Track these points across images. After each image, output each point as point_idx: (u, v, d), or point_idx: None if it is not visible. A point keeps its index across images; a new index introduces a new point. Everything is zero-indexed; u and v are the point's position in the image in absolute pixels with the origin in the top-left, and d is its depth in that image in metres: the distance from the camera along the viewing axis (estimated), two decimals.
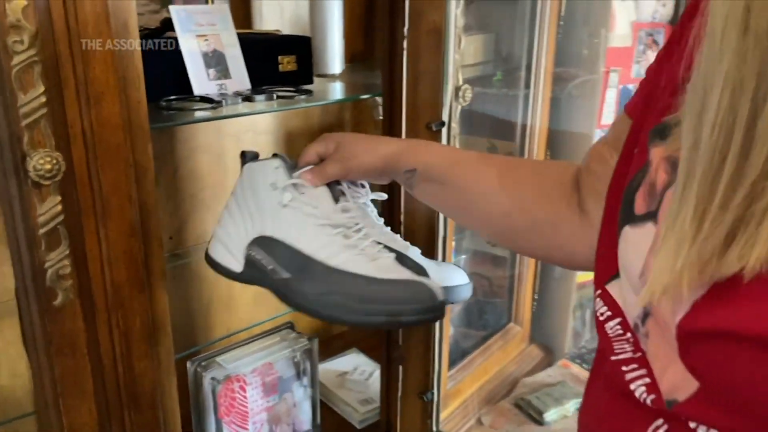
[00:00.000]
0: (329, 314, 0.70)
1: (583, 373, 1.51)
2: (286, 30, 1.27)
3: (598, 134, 1.89)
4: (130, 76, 0.69)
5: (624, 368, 0.47)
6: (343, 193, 0.76)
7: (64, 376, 0.71)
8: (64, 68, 0.64)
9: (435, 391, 1.09)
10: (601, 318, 0.51)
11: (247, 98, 0.92)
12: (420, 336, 1.08)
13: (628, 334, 0.48)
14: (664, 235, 0.39)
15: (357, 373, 1.36)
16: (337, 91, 1.16)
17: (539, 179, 0.72)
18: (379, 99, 1.10)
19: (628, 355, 0.48)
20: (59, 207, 0.66)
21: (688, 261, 0.37)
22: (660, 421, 0.45)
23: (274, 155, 0.80)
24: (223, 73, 0.96)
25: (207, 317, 1.31)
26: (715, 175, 0.36)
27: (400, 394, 1.14)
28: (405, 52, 0.94)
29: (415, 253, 0.81)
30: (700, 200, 0.37)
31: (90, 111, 0.66)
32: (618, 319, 0.50)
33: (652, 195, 0.47)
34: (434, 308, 0.68)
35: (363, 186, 0.82)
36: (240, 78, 0.97)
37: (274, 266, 0.73)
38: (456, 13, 0.91)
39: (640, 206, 0.48)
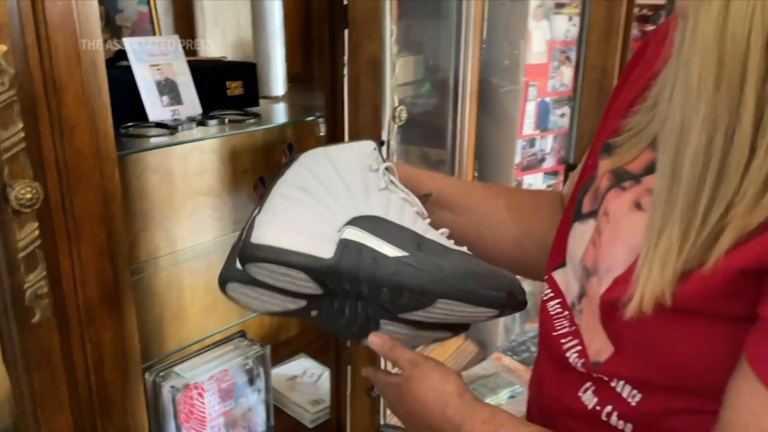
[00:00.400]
0: (452, 288, 0.60)
1: (514, 364, 1.64)
2: (229, 53, 1.34)
3: (520, 144, 2.04)
4: (99, 109, 0.75)
5: (562, 341, 0.59)
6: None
7: (41, 388, 0.76)
8: (40, 106, 0.70)
9: None
10: (545, 298, 0.63)
11: (201, 123, 0.99)
12: None
13: (566, 312, 0.60)
14: (646, 254, 0.47)
15: (306, 375, 1.44)
16: (282, 111, 1.24)
17: (538, 208, 0.78)
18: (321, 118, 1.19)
19: (566, 329, 0.59)
20: (37, 232, 0.71)
21: (675, 270, 0.46)
22: (588, 384, 0.56)
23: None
24: (176, 99, 1.03)
25: (159, 330, 1.36)
26: (695, 199, 0.45)
27: (349, 392, 1.22)
28: (346, 79, 1.04)
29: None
30: (683, 220, 0.45)
31: (63, 143, 0.73)
32: (558, 300, 0.62)
33: (595, 198, 0.59)
34: (521, 289, 0.63)
35: None
36: (191, 103, 1.04)
37: (383, 246, 0.61)
38: (391, 43, 1.01)
39: (586, 206, 0.60)
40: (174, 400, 1.09)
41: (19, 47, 0.67)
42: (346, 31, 1.02)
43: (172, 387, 1.09)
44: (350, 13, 1.00)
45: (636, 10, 1.85)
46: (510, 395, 1.49)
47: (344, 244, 0.60)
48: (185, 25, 1.26)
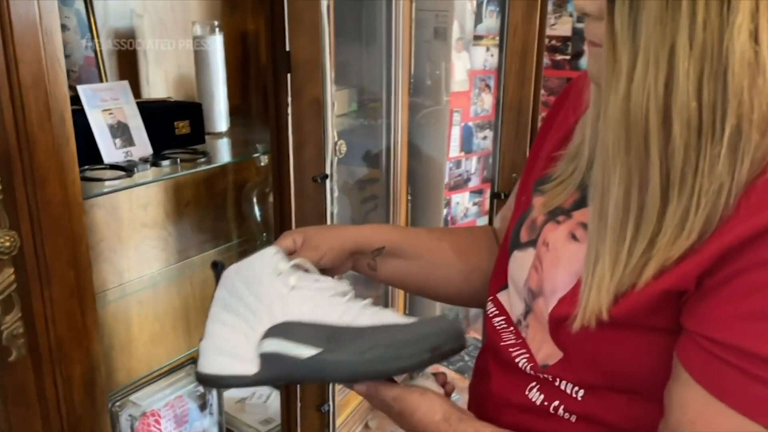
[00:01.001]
0: (374, 369, 0.65)
1: (451, 374, 1.76)
2: (171, 92, 1.39)
3: (448, 165, 2.18)
4: (67, 159, 0.81)
5: (510, 350, 0.68)
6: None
7: (18, 422, 0.81)
8: (14, 160, 0.75)
9: (331, 403, 1.27)
10: (490, 315, 0.73)
11: (154, 164, 1.05)
12: None
13: (511, 327, 0.70)
14: (585, 280, 0.57)
15: (255, 397, 1.50)
16: (226, 146, 1.31)
17: (477, 245, 0.86)
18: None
19: (512, 341, 0.69)
20: (13, 277, 0.76)
21: (609, 293, 0.55)
22: (534, 383, 0.66)
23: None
24: (128, 141, 1.08)
25: (110, 362, 1.39)
26: (620, 237, 0.54)
27: (299, 409, 1.30)
28: (290, 119, 1.13)
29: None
30: (611, 255, 0.55)
31: (36, 193, 0.78)
32: (503, 317, 0.72)
33: (533, 229, 0.69)
34: (461, 334, 0.68)
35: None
36: (143, 144, 1.10)
37: (297, 348, 0.67)
38: (331, 88, 1.10)
39: (524, 236, 0.70)
40: (132, 428, 1.13)
41: None
42: (289, 75, 1.11)
43: (130, 416, 1.13)
44: (292, 59, 1.09)
45: (547, 41, 2.03)
46: None
47: (264, 358, 0.67)
48: (128, 66, 1.31)
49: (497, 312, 0.73)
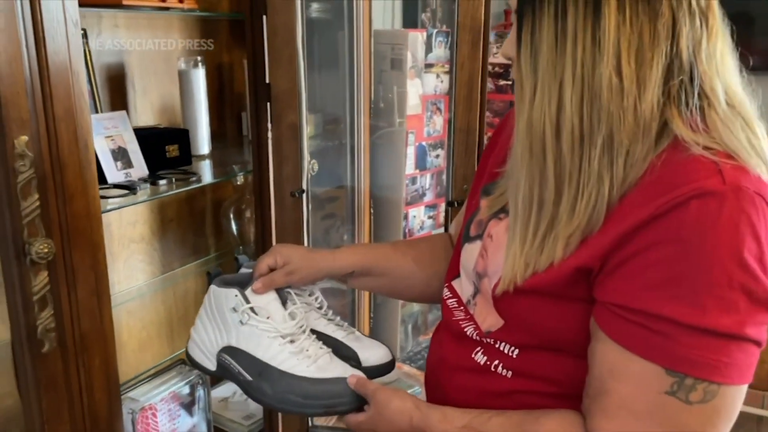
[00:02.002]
0: (283, 408, 0.88)
1: (412, 371, 1.92)
2: (157, 119, 1.54)
3: (405, 181, 2.36)
4: (89, 179, 0.96)
5: (461, 323, 0.83)
6: (289, 293, 0.94)
7: (48, 407, 0.94)
8: (48, 180, 0.90)
9: None
10: (445, 298, 0.89)
11: (153, 183, 1.20)
12: None
13: (462, 307, 0.85)
14: (506, 255, 0.73)
15: (237, 396, 1.63)
16: (209, 167, 1.46)
17: (435, 253, 1.02)
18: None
19: (462, 316, 0.84)
20: (47, 279, 0.90)
21: (520, 265, 0.71)
22: (479, 348, 0.80)
23: (226, 284, 0.93)
24: (127, 163, 1.23)
25: None
26: (527, 222, 0.71)
27: None
28: (270, 142, 1.29)
29: (351, 336, 1.00)
30: (521, 236, 0.72)
31: (65, 208, 0.92)
32: (455, 299, 0.87)
33: (480, 225, 0.85)
34: (356, 400, 0.85)
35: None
36: (140, 166, 1.25)
37: (239, 370, 0.89)
38: (306, 114, 1.27)
39: (473, 231, 0.86)
40: (133, 421, 1.26)
41: (34, 137, 0.87)
42: (269, 104, 1.28)
43: (131, 409, 1.26)
44: (272, 90, 1.26)
45: (490, 68, 2.25)
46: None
47: (219, 364, 0.91)
48: (119, 96, 1.45)
49: (451, 296, 0.88)
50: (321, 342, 0.93)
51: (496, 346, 0.78)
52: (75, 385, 0.98)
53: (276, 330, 0.89)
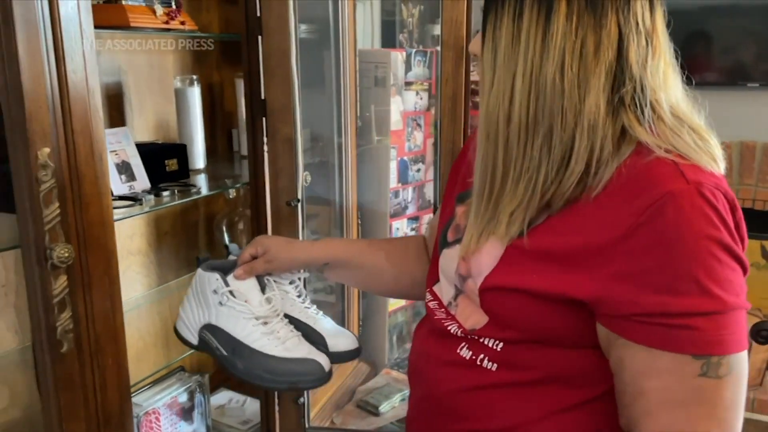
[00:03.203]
0: (252, 381, 1.00)
1: (401, 376, 1.99)
2: (153, 135, 1.60)
3: (389, 194, 2.45)
4: (103, 189, 1.02)
5: (443, 322, 0.87)
6: (269, 281, 1.05)
7: (66, 405, 0.99)
8: (67, 189, 0.96)
9: (306, 396, 1.48)
10: (428, 302, 0.93)
11: (157, 194, 1.26)
12: None
13: (443, 309, 0.89)
14: (466, 230, 0.82)
15: (233, 402, 1.68)
16: (204, 181, 1.53)
17: (407, 252, 1.10)
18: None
19: (443, 316, 0.88)
20: (66, 283, 0.96)
21: (475, 235, 0.79)
22: (463, 344, 0.84)
23: (213, 269, 1.04)
24: (131, 177, 1.29)
25: None
26: (480, 197, 0.78)
27: (277, 403, 1.50)
28: (266, 155, 1.36)
29: (323, 324, 1.12)
30: (476, 209, 0.79)
31: (82, 216, 0.98)
32: (437, 302, 0.91)
33: (457, 231, 0.90)
34: (322, 377, 1.00)
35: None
36: (142, 179, 1.31)
37: (217, 345, 1.01)
38: (300, 128, 1.35)
39: (450, 237, 0.91)
40: (138, 424, 1.30)
41: (55, 149, 0.93)
42: (264, 119, 1.35)
43: (136, 414, 1.31)
44: (268, 105, 1.33)
45: (473, 85, 2.36)
46: (401, 399, 1.83)
47: (200, 338, 1.03)
48: (117, 113, 1.51)
49: (432, 299, 0.93)
50: (293, 326, 1.04)
51: (481, 341, 0.82)
52: (90, 384, 1.03)
53: (251, 312, 1.00)
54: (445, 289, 0.90)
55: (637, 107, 0.72)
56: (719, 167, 0.71)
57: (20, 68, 0.87)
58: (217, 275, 1.01)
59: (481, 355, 0.82)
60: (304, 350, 1.01)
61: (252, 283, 1.02)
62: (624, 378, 0.72)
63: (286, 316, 1.05)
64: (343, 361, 1.12)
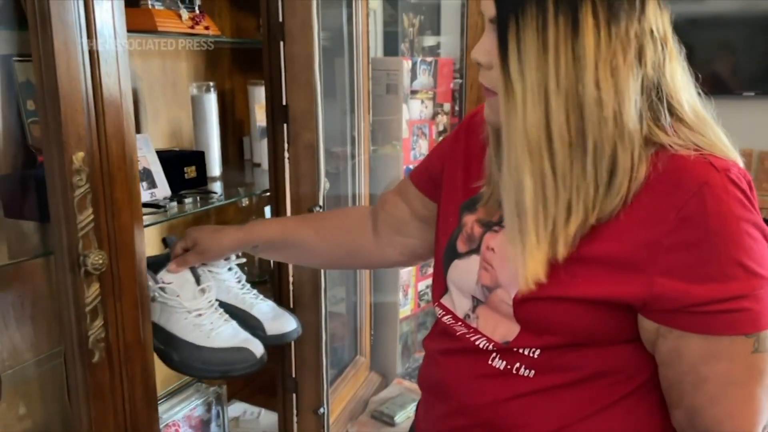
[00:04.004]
0: (188, 372, 1.07)
1: (413, 385, 1.97)
2: (167, 143, 1.58)
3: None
4: (134, 195, 1.00)
5: (467, 336, 0.85)
6: (203, 272, 1.11)
7: (97, 416, 0.96)
8: (100, 194, 0.94)
9: (325, 406, 1.46)
10: (439, 316, 0.91)
11: (180, 202, 1.24)
12: (310, 364, 1.45)
13: (459, 322, 0.87)
14: (522, 256, 0.75)
15: (247, 414, 1.66)
16: (221, 188, 1.51)
17: (342, 223, 1.15)
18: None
19: (464, 331, 0.86)
20: (98, 290, 0.93)
21: (539, 263, 0.73)
22: (495, 354, 0.83)
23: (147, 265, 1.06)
24: (152, 184, 1.27)
25: None
26: (536, 220, 0.72)
27: (295, 414, 1.48)
28: (287, 161, 1.35)
29: (260, 308, 1.18)
30: (534, 234, 0.73)
31: (113, 222, 0.96)
32: (450, 316, 0.89)
33: (471, 240, 0.87)
34: (254, 364, 1.08)
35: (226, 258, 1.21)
36: (163, 187, 1.29)
37: (155, 339, 1.06)
38: (322, 133, 1.34)
39: (462, 248, 0.89)
40: None
41: (89, 153, 0.91)
42: (285, 125, 1.34)
43: None
44: (290, 111, 1.32)
45: None
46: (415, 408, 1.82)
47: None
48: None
49: (444, 313, 0.91)
50: (227, 315, 1.09)
51: (515, 350, 0.80)
52: (119, 394, 1.00)
53: (183, 306, 1.07)
54: (458, 301, 0.88)
55: (655, 111, 0.73)
56: (737, 157, 0.75)
57: (57, 71, 0.85)
58: (149, 273, 1.04)
59: (517, 364, 0.81)
60: (237, 339, 1.07)
61: (186, 276, 1.07)
62: (681, 368, 0.73)
63: (223, 304, 1.10)
64: (284, 342, 1.21)
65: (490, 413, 0.83)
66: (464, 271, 0.87)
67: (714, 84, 2.80)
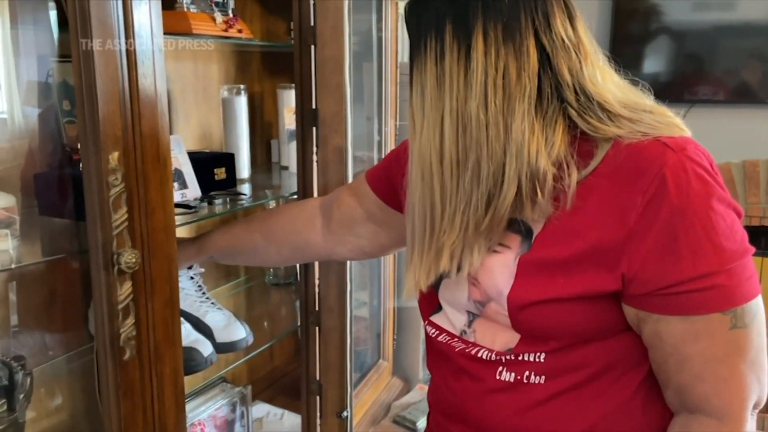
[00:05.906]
0: None
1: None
2: (197, 144, 1.60)
3: None
4: (167, 195, 1.01)
5: (467, 350, 0.85)
6: None
7: (127, 414, 0.97)
8: (134, 194, 0.95)
9: (349, 409, 1.46)
10: (432, 335, 0.91)
11: (210, 202, 1.25)
12: (335, 367, 1.45)
13: (456, 338, 0.87)
14: (407, 269, 0.84)
15: (270, 416, 1.66)
16: (250, 191, 1.52)
17: (291, 222, 1.18)
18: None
19: (462, 347, 0.86)
20: (131, 289, 0.94)
21: (422, 275, 0.81)
22: (500, 367, 0.82)
23: None
24: (183, 184, 1.28)
25: None
26: (422, 237, 0.80)
27: (319, 416, 1.48)
28: (315, 165, 1.35)
29: (213, 317, 1.27)
30: (419, 249, 0.81)
31: (146, 221, 0.97)
32: (444, 334, 0.89)
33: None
34: (201, 362, 1.18)
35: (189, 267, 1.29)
36: (194, 187, 1.30)
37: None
38: (351, 137, 1.34)
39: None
40: None
41: (125, 153, 0.92)
42: (314, 128, 1.35)
43: None
44: (320, 115, 1.33)
45: None
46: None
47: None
48: None
49: (437, 332, 0.91)
50: (182, 318, 1.16)
51: (520, 358, 0.81)
52: (148, 392, 1.01)
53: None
54: (454, 318, 0.88)
55: (592, 110, 0.75)
56: (686, 131, 0.76)
57: (95, 71, 0.87)
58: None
59: (526, 372, 0.81)
60: (188, 340, 1.16)
61: None
62: (665, 350, 0.74)
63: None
64: (232, 350, 1.28)
65: (511, 427, 0.83)
66: (456, 289, 0.87)
67: (743, 93, 2.75)
